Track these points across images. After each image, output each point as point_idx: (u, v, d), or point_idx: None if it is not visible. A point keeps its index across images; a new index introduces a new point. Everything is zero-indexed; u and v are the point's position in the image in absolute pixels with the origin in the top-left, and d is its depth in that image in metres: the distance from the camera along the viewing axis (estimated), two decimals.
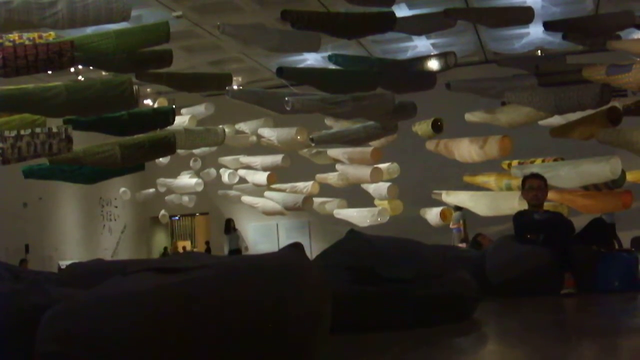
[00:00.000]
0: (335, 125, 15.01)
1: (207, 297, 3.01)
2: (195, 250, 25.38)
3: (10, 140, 9.48)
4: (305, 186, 17.06)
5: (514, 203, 11.09)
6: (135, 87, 10.31)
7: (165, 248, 25.30)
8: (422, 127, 14.01)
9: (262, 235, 23.51)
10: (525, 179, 7.56)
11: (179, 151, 14.08)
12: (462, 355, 4.06)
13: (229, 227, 19.92)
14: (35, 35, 9.95)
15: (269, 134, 16.36)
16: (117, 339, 2.85)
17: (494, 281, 6.51)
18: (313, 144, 14.74)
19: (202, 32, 17.12)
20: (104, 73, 14.70)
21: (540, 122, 12.32)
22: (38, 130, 9.83)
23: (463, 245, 14.39)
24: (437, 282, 4.93)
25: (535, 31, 16.82)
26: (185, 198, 20.21)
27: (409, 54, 18.30)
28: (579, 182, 11.06)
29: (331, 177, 16.85)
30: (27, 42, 9.56)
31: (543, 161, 11.85)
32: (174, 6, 15.33)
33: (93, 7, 8.94)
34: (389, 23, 10.66)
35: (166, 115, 12.08)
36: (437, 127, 13.84)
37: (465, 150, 13.06)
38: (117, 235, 24.31)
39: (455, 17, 10.74)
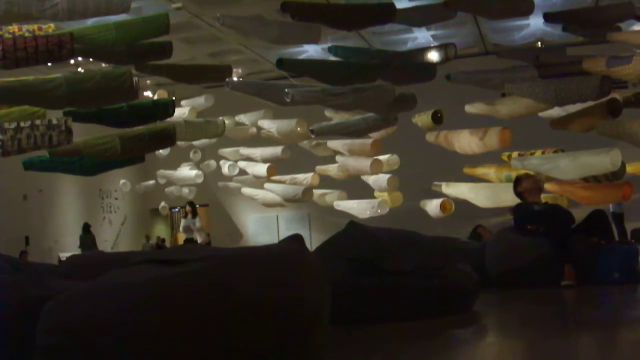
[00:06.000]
0: (335, 117, 14.99)
1: (206, 289, 3.02)
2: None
3: (10, 132, 9.48)
4: (305, 178, 17.05)
5: (513, 195, 11.09)
6: (135, 79, 10.30)
7: (159, 237, 25.18)
8: (422, 119, 13.99)
9: (262, 227, 23.52)
10: (518, 178, 7.76)
11: (179, 143, 14.06)
12: (462, 347, 4.07)
13: (185, 212, 19.22)
14: (35, 27, 9.93)
15: (268, 125, 16.35)
16: (117, 330, 2.86)
17: (494, 273, 6.53)
18: (313, 136, 14.73)
19: (202, 24, 17.09)
20: (103, 65, 14.69)
21: (540, 114, 12.31)
22: (38, 122, 9.83)
23: None
24: (437, 274, 4.94)
25: (535, 23, 16.78)
26: (185, 190, 20.21)
27: (409, 46, 18.26)
28: (579, 173, 11.04)
29: (331, 169, 16.83)
30: (26, 34, 9.54)
31: (543, 153, 11.84)
32: None
33: None
34: (389, 14, 10.64)
35: (166, 107, 12.07)
36: (437, 119, 13.82)
37: (465, 141, 13.05)
38: (117, 227, 24.32)
39: (456, 8, 10.71)
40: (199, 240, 18.25)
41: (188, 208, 18.77)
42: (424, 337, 4.22)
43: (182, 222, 19.25)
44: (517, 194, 7.77)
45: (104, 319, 2.88)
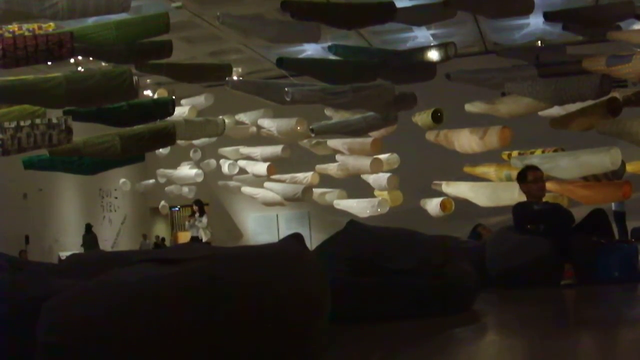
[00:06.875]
0: (335, 116, 15.01)
1: (206, 287, 3.02)
2: None
3: (10, 132, 9.49)
4: (305, 177, 17.06)
5: (514, 194, 11.08)
6: (135, 78, 10.31)
7: (158, 237, 25.18)
8: (422, 118, 14.01)
9: (262, 226, 23.53)
10: (527, 170, 7.54)
11: (179, 142, 14.10)
12: (461, 346, 4.07)
13: (192, 210, 19.19)
14: (35, 26, 9.95)
15: (268, 124, 16.36)
16: (117, 329, 2.86)
17: (494, 272, 6.52)
18: (313, 135, 14.75)
19: (202, 23, 17.10)
20: (103, 64, 14.70)
21: (540, 113, 12.32)
22: (38, 121, 9.84)
23: None
24: (436, 273, 4.94)
25: (535, 22, 16.79)
26: (185, 189, 20.22)
27: (409, 45, 18.26)
28: (579, 173, 11.06)
29: (331, 168, 16.85)
30: (26, 33, 9.55)
31: (543, 152, 11.85)
32: None
33: None
34: (389, 13, 10.65)
35: (166, 106, 12.09)
36: (437, 118, 13.84)
37: (465, 140, 13.06)
38: (117, 226, 24.34)
39: (455, 7, 10.72)
40: (204, 239, 18.22)
41: (195, 207, 18.76)
42: (424, 336, 4.22)
43: (189, 222, 19.24)
44: (520, 187, 7.65)
45: (104, 318, 2.88)
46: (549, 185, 11.28)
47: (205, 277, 3.05)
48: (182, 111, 16.10)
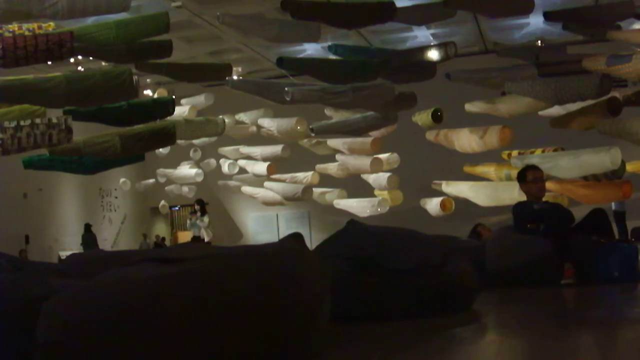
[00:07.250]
0: (335, 116, 15.01)
1: (206, 286, 3.02)
2: None
3: (10, 131, 9.49)
4: (305, 176, 17.07)
5: (514, 193, 11.10)
6: (135, 78, 10.32)
7: (158, 236, 25.17)
8: (422, 118, 14.01)
9: (262, 226, 23.50)
10: (527, 170, 7.53)
11: (179, 141, 14.10)
12: (462, 346, 4.07)
13: (193, 209, 19.12)
14: (35, 25, 9.95)
15: (268, 124, 16.36)
16: (117, 328, 2.86)
17: (494, 271, 6.52)
18: (313, 134, 14.74)
19: (202, 23, 17.08)
20: (103, 63, 14.70)
21: (540, 113, 12.33)
22: (38, 120, 9.84)
23: None
24: (436, 273, 4.94)
25: (535, 21, 16.77)
26: (185, 188, 20.21)
27: (409, 44, 18.24)
28: (579, 172, 11.07)
29: (331, 168, 16.85)
30: (26, 33, 9.55)
31: (543, 151, 11.86)
32: None
33: None
34: (389, 13, 10.65)
35: (166, 106, 12.09)
36: (437, 118, 13.85)
37: (465, 140, 13.07)
38: (117, 226, 24.31)
39: (455, 7, 10.72)
40: (206, 239, 18.19)
41: (197, 206, 18.73)
42: (424, 335, 4.22)
43: (190, 220, 19.20)
44: (520, 187, 7.63)
45: (103, 317, 2.88)
46: (549, 185, 11.30)
47: (206, 277, 3.05)
48: (182, 111, 16.10)
